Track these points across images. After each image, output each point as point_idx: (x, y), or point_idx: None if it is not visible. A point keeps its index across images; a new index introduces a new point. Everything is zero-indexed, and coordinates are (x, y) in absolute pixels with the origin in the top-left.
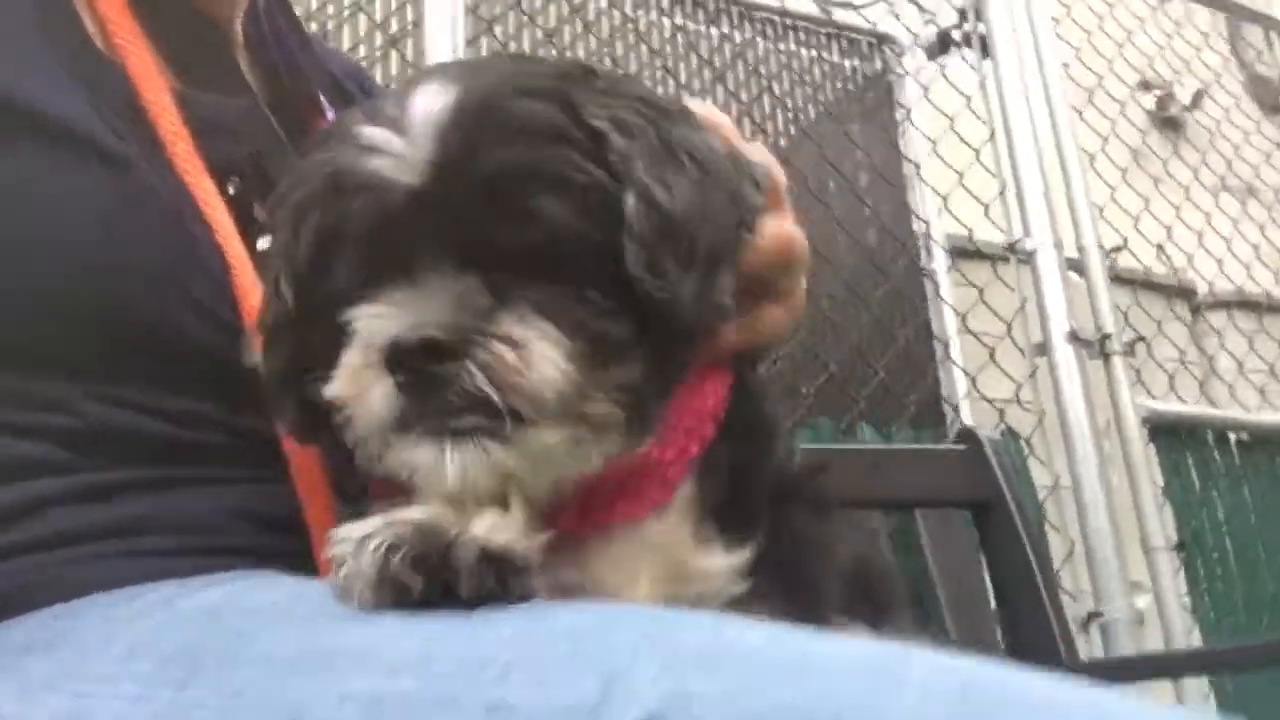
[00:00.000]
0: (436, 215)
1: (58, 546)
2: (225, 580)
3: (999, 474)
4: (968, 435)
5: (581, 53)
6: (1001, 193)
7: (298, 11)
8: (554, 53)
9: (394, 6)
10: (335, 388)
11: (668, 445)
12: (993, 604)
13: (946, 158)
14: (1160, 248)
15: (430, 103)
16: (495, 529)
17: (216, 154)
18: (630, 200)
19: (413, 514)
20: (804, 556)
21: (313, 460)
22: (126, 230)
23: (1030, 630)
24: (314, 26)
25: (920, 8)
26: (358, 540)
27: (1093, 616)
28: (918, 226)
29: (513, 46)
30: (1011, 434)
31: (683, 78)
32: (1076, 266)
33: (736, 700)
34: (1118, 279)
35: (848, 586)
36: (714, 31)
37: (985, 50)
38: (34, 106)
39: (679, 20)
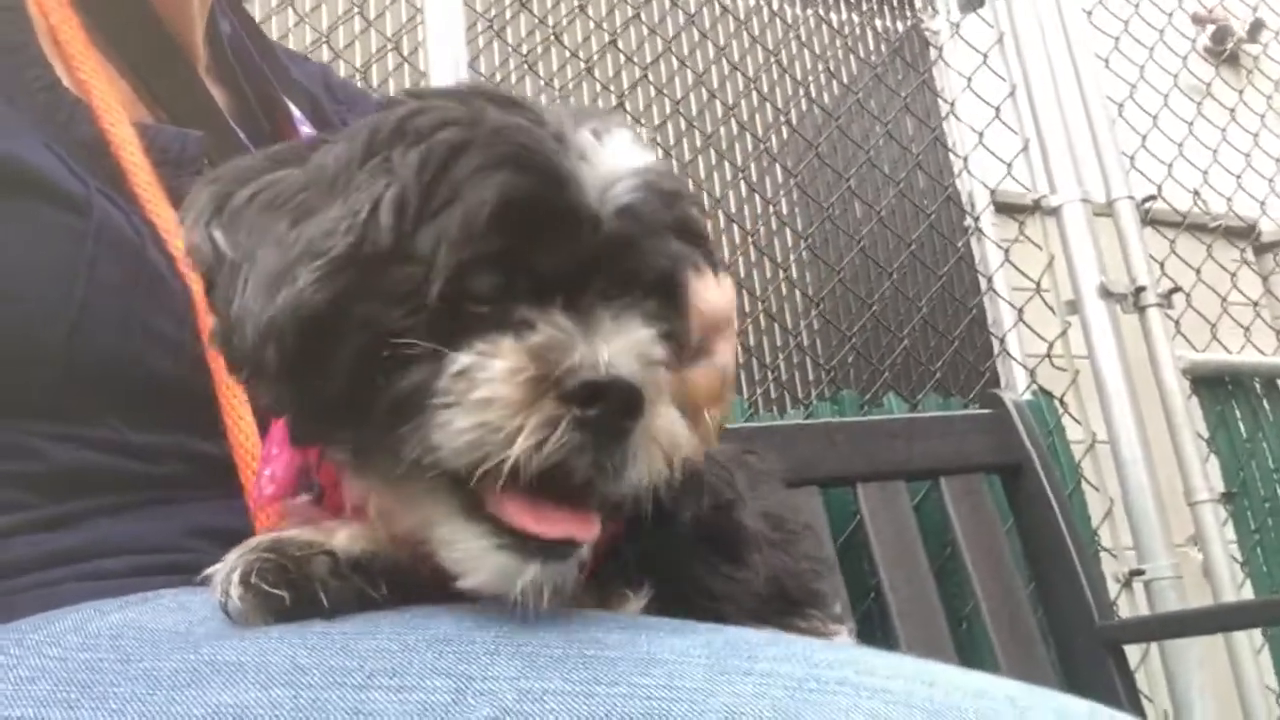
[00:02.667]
0: (618, 260)
1: (14, 575)
2: (137, 602)
3: (1025, 437)
4: (993, 399)
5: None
6: (1025, 148)
7: (312, 27)
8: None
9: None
10: (497, 390)
11: None
12: (1010, 568)
13: (964, 116)
14: (1196, 192)
15: (635, 152)
16: (354, 539)
17: (178, 183)
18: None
19: (277, 534)
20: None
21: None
22: (86, 273)
23: (1063, 592)
24: (325, 48)
25: None
26: (231, 561)
27: (1135, 574)
28: (961, 184)
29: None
30: (1045, 393)
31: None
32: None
33: (591, 695)
34: (1189, 228)
35: (764, 602)
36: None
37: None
38: None
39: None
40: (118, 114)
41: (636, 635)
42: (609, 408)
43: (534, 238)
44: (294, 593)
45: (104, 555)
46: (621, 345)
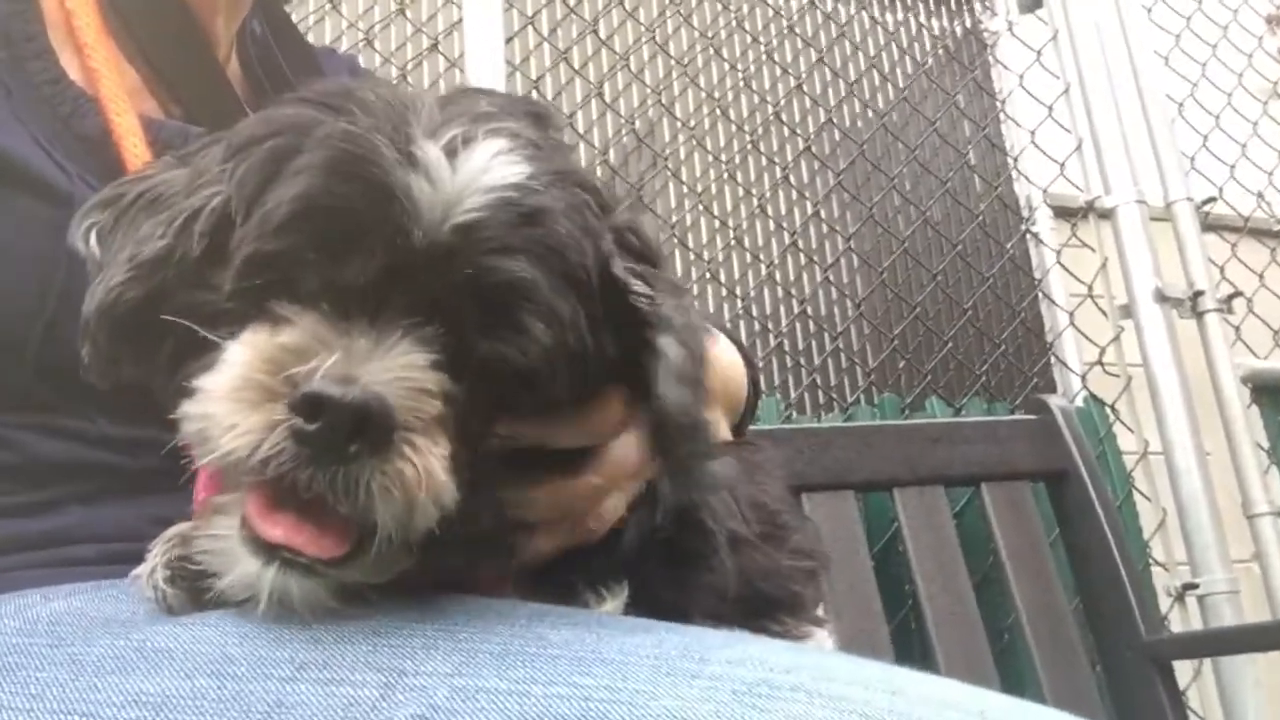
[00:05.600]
0: (432, 279)
1: None
2: (87, 590)
3: (1071, 444)
4: (1039, 405)
5: (630, 38)
6: (1079, 147)
7: (345, 17)
8: (599, 42)
9: (440, 4)
10: (221, 384)
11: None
12: (1054, 580)
13: (1016, 116)
14: (1260, 195)
15: (496, 166)
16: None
17: None
18: (670, 342)
19: (189, 525)
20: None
21: None
22: (66, 265)
23: (1109, 605)
24: (359, 33)
25: None
26: (152, 558)
27: (1188, 588)
28: (1018, 188)
29: (558, 37)
30: (1095, 400)
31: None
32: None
33: (526, 695)
34: (1251, 232)
35: (733, 604)
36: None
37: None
38: None
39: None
40: (123, 105)
41: (584, 633)
42: (333, 426)
43: (337, 247)
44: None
45: (74, 542)
46: (380, 366)
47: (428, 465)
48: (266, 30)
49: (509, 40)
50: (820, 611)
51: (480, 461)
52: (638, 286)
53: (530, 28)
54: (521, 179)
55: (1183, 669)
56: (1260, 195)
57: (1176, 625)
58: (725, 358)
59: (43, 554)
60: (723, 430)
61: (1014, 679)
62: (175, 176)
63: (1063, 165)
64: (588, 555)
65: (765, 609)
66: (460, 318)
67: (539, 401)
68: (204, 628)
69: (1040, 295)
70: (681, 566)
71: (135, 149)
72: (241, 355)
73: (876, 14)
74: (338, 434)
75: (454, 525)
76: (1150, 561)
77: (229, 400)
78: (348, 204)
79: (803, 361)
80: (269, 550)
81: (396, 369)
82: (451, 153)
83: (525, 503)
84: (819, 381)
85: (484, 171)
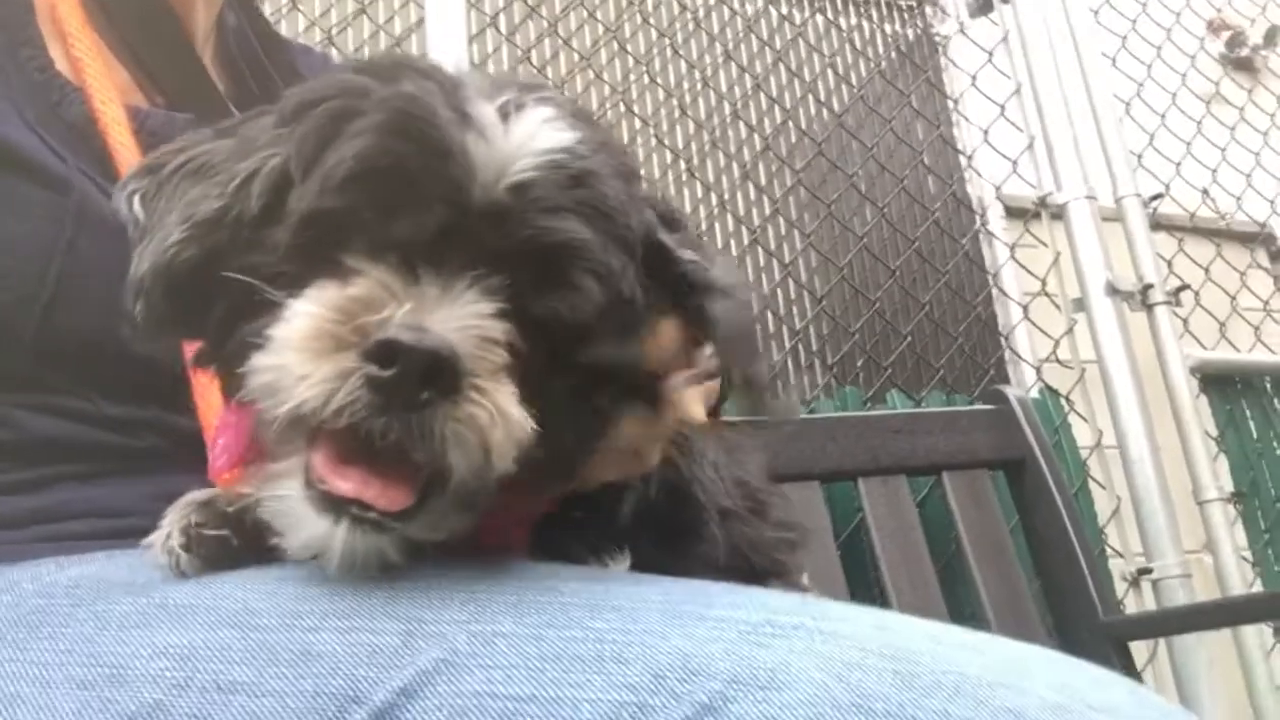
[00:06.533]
0: (490, 235)
1: None
2: (100, 559)
3: (1029, 432)
4: (996, 395)
5: (588, 40)
6: (1030, 146)
7: (305, 15)
8: (559, 44)
9: (397, 6)
10: (293, 334)
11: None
12: (1015, 564)
13: (971, 116)
14: (1205, 191)
15: (547, 130)
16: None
17: None
18: (723, 305)
19: (209, 492)
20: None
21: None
22: (65, 250)
23: (1067, 587)
24: (317, 33)
25: None
26: (168, 523)
27: (1143, 573)
28: (971, 189)
29: (518, 39)
30: (1051, 392)
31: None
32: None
33: (542, 638)
34: (1197, 230)
35: (724, 573)
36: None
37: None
38: None
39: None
40: (108, 94)
41: (594, 584)
42: (407, 373)
43: (398, 204)
44: (240, 540)
45: (69, 518)
46: (448, 314)
47: (500, 405)
48: (244, 22)
49: (470, 40)
50: (804, 580)
51: (549, 403)
52: (686, 254)
53: (491, 28)
54: (570, 143)
55: (1139, 652)
56: (1205, 192)
57: (1132, 609)
58: None
59: (40, 529)
60: (698, 411)
61: None
62: (219, 146)
63: (1015, 163)
64: (585, 526)
65: (754, 577)
66: (517, 275)
67: (593, 352)
68: (224, 584)
69: (994, 290)
70: (675, 538)
71: (121, 137)
72: (312, 307)
73: (831, 16)
74: (411, 381)
75: (532, 462)
76: (1106, 548)
77: (301, 350)
78: (407, 162)
79: (763, 358)
80: (337, 507)
81: (465, 317)
82: (505, 115)
83: (611, 436)
84: (780, 377)
85: (535, 135)
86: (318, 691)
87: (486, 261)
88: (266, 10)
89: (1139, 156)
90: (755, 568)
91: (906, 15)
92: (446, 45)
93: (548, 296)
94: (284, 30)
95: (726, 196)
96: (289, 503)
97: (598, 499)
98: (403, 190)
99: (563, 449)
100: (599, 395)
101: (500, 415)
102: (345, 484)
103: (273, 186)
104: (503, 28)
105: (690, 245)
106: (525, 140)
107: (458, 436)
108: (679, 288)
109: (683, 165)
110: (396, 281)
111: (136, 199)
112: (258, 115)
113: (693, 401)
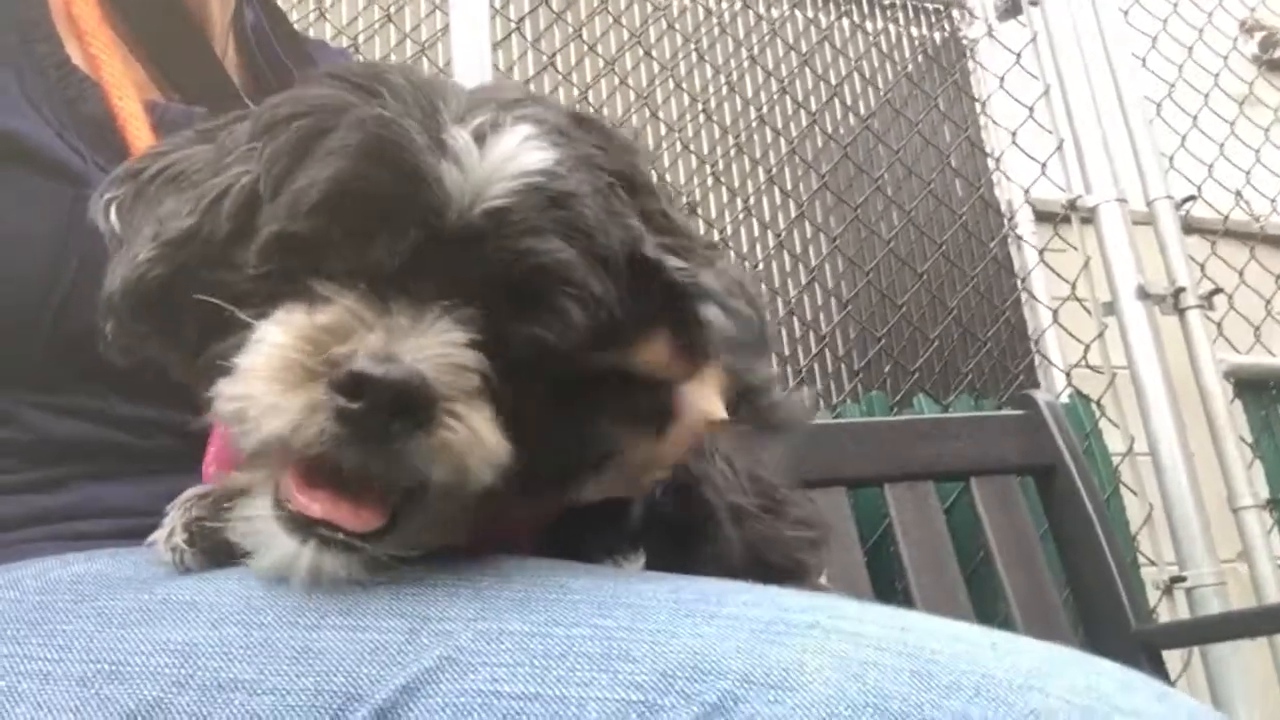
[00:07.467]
0: (464, 262)
1: None
2: (105, 556)
3: (1059, 438)
4: (1026, 400)
5: (613, 45)
6: (1059, 148)
7: (331, 24)
8: (584, 49)
9: (423, 14)
10: (261, 364)
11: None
12: (1044, 572)
13: (997, 117)
14: (1239, 194)
15: (524, 152)
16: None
17: None
18: (715, 310)
19: (205, 487)
20: None
21: None
22: (79, 248)
23: (1098, 596)
24: (344, 40)
25: None
26: (169, 521)
27: (1175, 581)
28: (1000, 192)
29: (543, 44)
30: (1081, 397)
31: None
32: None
33: (549, 636)
34: (1230, 233)
35: (740, 574)
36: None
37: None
38: None
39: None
40: (125, 89)
41: (602, 581)
42: (376, 405)
43: (370, 229)
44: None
45: (87, 517)
46: (418, 343)
47: (474, 428)
48: (262, 19)
49: (495, 47)
50: (823, 579)
51: (530, 423)
52: (673, 262)
53: (516, 34)
54: (548, 164)
55: (1172, 661)
56: (1238, 194)
57: (1165, 618)
58: None
59: (51, 528)
60: (717, 408)
61: None
62: (198, 152)
63: (1044, 166)
64: (595, 529)
65: (770, 578)
66: (494, 300)
67: (574, 375)
68: (227, 581)
69: (1023, 294)
70: (685, 540)
71: (139, 132)
72: (280, 335)
73: (857, 19)
74: (380, 413)
75: (517, 480)
76: (1138, 556)
77: (269, 380)
78: (379, 188)
79: (789, 363)
80: (306, 527)
81: (436, 346)
82: (480, 138)
83: (613, 458)
84: (806, 382)
85: (511, 158)
86: (319, 689)
87: (461, 288)
88: (294, 18)
89: (1170, 158)
90: (771, 566)
91: (933, 19)
92: (471, 51)
93: (526, 321)
94: (312, 36)
95: (752, 201)
96: (258, 523)
97: (607, 501)
98: (374, 216)
99: (549, 467)
100: (588, 414)
101: (475, 439)
102: (315, 505)
103: (243, 206)
104: (528, 33)
105: (684, 251)
106: (501, 163)
107: (429, 462)
108: (668, 296)
109: (708, 170)
110: (366, 310)
111: (114, 209)
112: (237, 120)
113: (710, 399)
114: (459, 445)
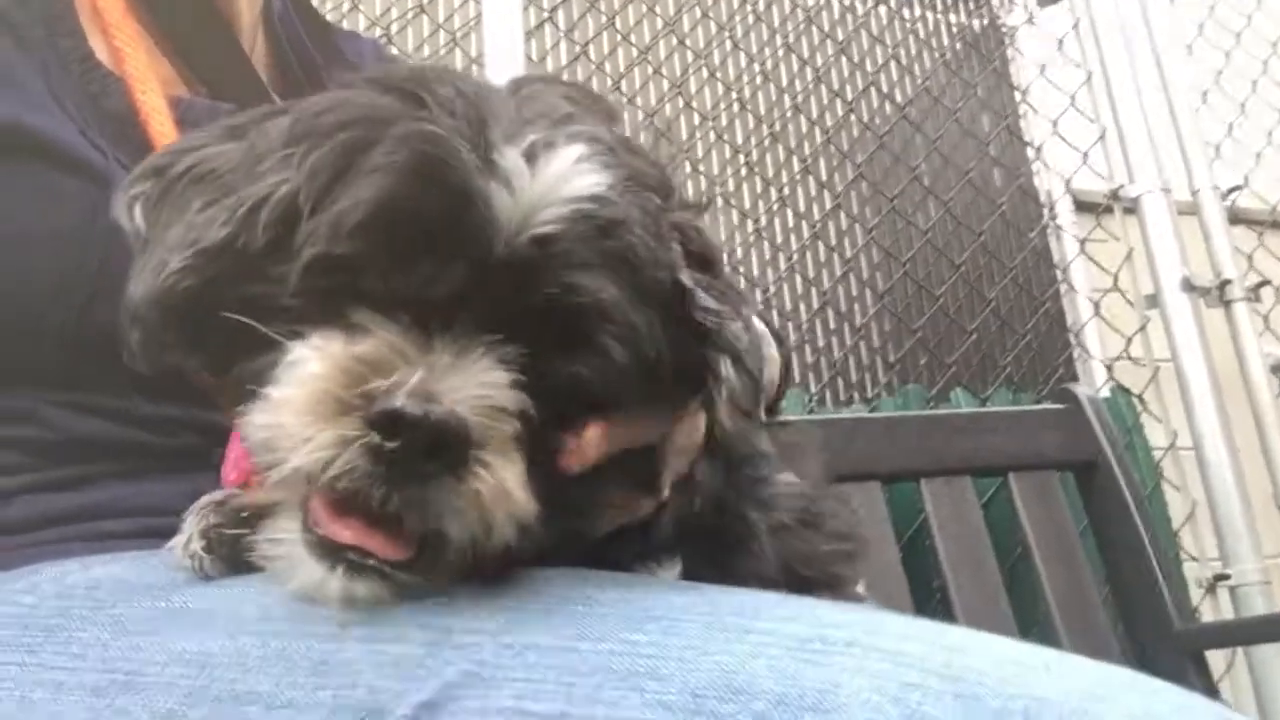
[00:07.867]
0: (510, 294)
1: (19, 531)
2: (126, 559)
3: (1100, 433)
4: (1066, 394)
5: (647, 34)
6: (1101, 137)
7: (365, 15)
8: (618, 38)
9: (456, 4)
10: (294, 396)
11: None
12: (1084, 570)
13: (1037, 105)
14: None
15: (576, 174)
16: None
17: None
18: (733, 370)
19: (223, 494)
20: None
21: None
22: (103, 244)
23: (1140, 594)
24: (378, 31)
25: None
26: (188, 527)
27: (1219, 579)
28: (1040, 182)
29: (576, 34)
30: (1123, 391)
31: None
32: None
33: (574, 650)
34: (1278, 224)
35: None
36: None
37: None
38: (7, 122)
39: None
40: (149, 84)
41: (632, 593)
42: (411, 445)
43: (414, 255)
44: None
45: (112, 516)
46: (459, 383)
47: (503, 482)
48: (289, 9)
49: (528, 36)
50: (860, 589)
51: (553, 472)
52: (704, 301)
53: (549, 23)
54: (600, 189)
55: (1216, 662)
56: None
57: (1208, 617)
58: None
59: (75, 528)
60: (698, 438)
61: None
62: (228, 150)
63: (1085, 155)
64: (625, 536)
65: (805, 590)
66: (537, 336)
67: (610, 415)
68: (245, 589)
69: (1063, 286)
70: (722, 553)
71: (162, 127)
72: (315, 366)
73: (894, 7)
74: (415, 454)
75: (532, 534)
76: (1180, 553)
77: (302, 413)
78: (426, 211)
79: (824, 355)
80: (335, 553)
81: (477, 387)
82: (531, 158)
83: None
84: (841, 375)
85: (563, 180)
86: (336, 703)
87: (505, 323)
88: (327, 9)
89: (1216, 148)
90: (806, 580)
91: (972, 5)
92: (504, 41)
93: (569, 359)
94: (346, 28)
95: (787, 191)
96: (286, 546)
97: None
98: (419, 241)
99: (568, 518)
100: (601, 476)
101: (504, 494)
102: (346, 532)
103: (281, 218)
104: (561, 23)
105: (717, 291)
106: (552, 187)
107: (457, 511)
108: (693, 331)
109: (742, 160)
110: (407, 344)
111: (138, 207)
112: (269, 116)
113: (694, 431)
114: (487, 498)
